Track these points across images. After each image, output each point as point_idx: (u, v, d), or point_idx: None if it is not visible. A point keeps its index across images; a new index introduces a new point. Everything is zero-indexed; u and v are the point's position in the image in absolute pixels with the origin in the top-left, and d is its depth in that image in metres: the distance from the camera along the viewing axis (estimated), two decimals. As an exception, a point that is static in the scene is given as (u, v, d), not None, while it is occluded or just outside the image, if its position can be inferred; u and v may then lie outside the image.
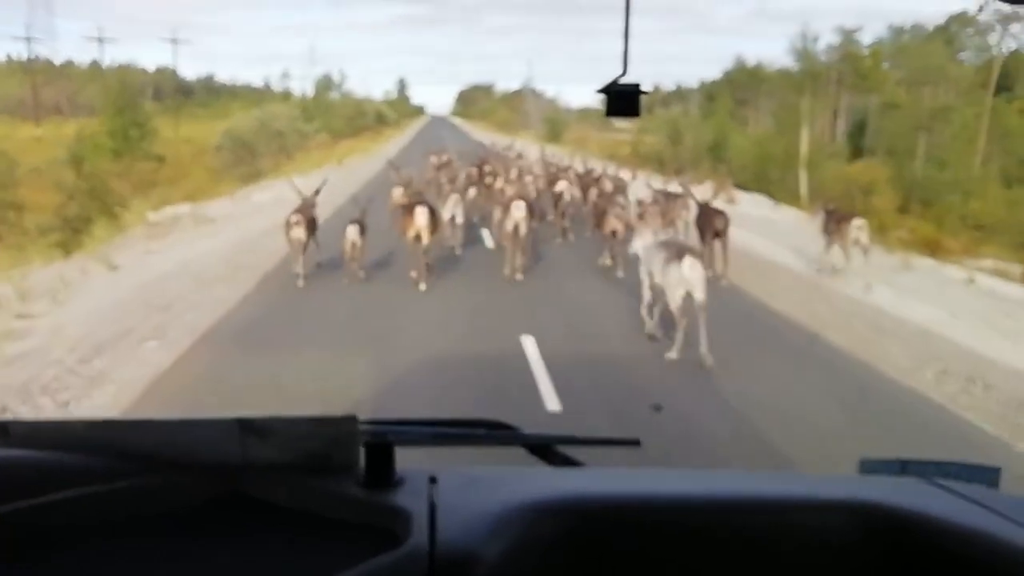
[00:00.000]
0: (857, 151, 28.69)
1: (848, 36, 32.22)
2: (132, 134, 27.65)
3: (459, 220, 12.16)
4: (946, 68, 27.90)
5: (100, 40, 47.31)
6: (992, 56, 28.70)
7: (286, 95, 53.04)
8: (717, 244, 11.21)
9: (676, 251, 7.50)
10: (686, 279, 7.22)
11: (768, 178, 28.21)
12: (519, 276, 10.81)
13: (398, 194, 12.85)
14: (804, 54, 28.67)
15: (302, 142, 34.82)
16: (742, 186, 27.16)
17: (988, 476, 1.27)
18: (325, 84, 56.90)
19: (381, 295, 10.13)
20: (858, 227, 11.17)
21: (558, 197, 13.95)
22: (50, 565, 0.95)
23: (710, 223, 11.30)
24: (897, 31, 32.19)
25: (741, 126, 41.62)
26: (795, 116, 34.75)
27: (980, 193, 20.78)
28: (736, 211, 20.99)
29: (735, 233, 16.12)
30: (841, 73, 28.72)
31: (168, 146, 41.63)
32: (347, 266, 10.66)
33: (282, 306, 9.65)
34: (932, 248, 15.78)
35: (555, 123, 61.76)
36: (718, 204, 12.31)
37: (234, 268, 11.43)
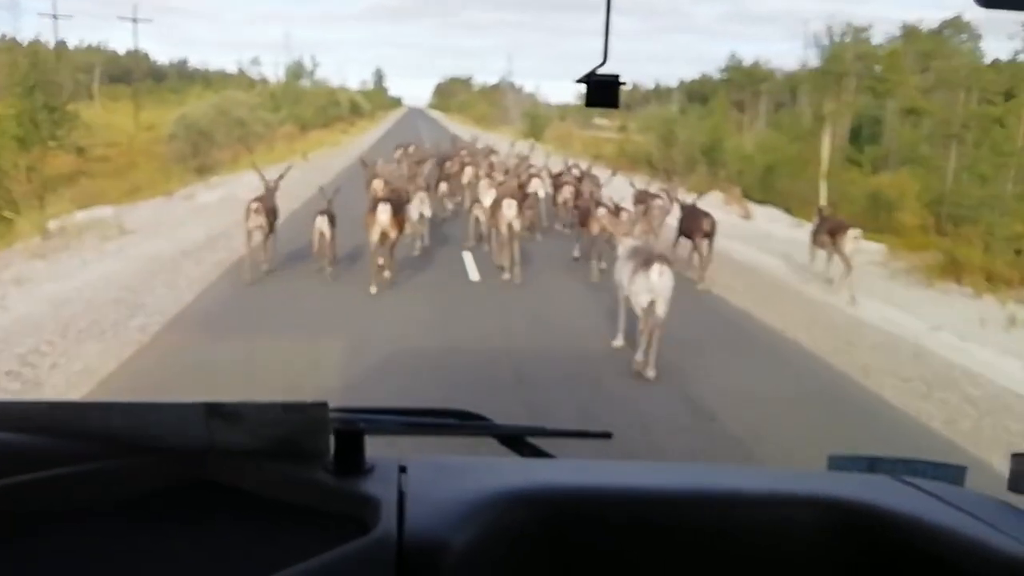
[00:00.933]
0: (878, 161, 25.99)
1: (857, 35, 29.53)
2: (41, 118, 23.16)
3: (426, 215, 11.79)
4: (981, 72, 25.23)
5: (55, 17, 43.32)
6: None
7: (252, 83, 49.29)
8: (703, 245, 10.80)
9: (645, 258, 7.10)
10: (653, 287, 6.91)
11: (774, 188, 25.41)
12: (515, 275, 10.41)
13: (379, 186, 11.91)
14: (831, 52, 25.77)
15: (266, 132, 31.40)
16: (747, 196, 24.40)
17: (954, 474, 1.27)
18: (295, 71, 53.20)
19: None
20: (854, 238, 10.58)
21: (527, 196, 13.14)
22: (11, 548, 0.92)
23: (697, 226, 10.81)
24: (910, 32, 29.49)
25: (734, 129, 38.86)
26: (799, 120, 31.96)
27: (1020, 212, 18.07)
28: (752, 228, 18.28)
29: (758, 257, 13.25)
30: (856, 75, 25.98)
31: (117, 134, 38.26)
32: (317, 260, 10.13)
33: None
34: (965, 275, 12.83)
35: (536, 119, 58.50)
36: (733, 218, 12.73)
37: (122, 312, 8.22)
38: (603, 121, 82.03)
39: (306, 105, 48.11)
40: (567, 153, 41.55)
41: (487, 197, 11.61)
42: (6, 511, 0.94)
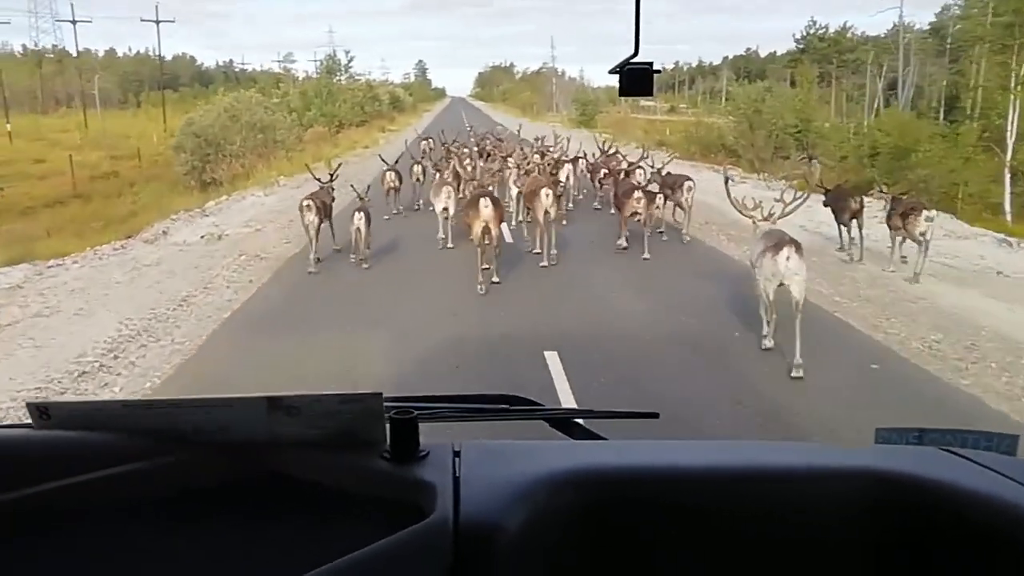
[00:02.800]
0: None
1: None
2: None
3: (451, 212, 11.45)
4: None
5: (73, 23, 39.88)
6: None
7: (277, 80, 44.79)
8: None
9: (776, 241, 6.79)
10: (782, 271, 6.65)
11: (907, 180, 19.95)
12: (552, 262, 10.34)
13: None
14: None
15: (289, 136, 26.80)
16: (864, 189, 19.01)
17: (1006, 444, 1.20)
18: (329, 66, 48.68)
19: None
20: (927, 219, 9.66)
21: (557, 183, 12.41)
22: (87, 542, 0.96)
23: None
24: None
25: (819, 106, 33.18)
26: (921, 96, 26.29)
27: None
28: (955, 249, 12.71)
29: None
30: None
31: (146, 144, 34.21)
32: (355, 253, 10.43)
33: None
34: None
35: (586, 104, 53.00)
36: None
37: None
38: (649, 103, 76.61)
39: (341, 102, 43.63)
40: (627, 141, 36.52)
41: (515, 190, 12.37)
42: (79, 506, 0.96)
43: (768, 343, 6.93)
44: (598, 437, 1.33)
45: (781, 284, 6.67)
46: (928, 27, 23.03)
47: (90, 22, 64.88)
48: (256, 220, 14.57)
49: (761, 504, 1.09)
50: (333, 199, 11.30)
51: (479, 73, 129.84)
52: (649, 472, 1.13)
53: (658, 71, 1.40)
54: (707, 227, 13.39)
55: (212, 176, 23.78)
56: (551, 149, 15.09)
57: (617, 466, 1.14)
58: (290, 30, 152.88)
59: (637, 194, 10.79)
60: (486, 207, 8.97)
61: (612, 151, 15.88)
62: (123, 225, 16.72)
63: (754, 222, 7.40)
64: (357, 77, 51.24)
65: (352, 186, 11.17)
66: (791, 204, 7.47)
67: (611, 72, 1.44)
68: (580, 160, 15.86)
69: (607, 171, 13.88)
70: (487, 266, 9.12)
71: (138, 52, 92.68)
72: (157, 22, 44.39)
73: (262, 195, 18.14)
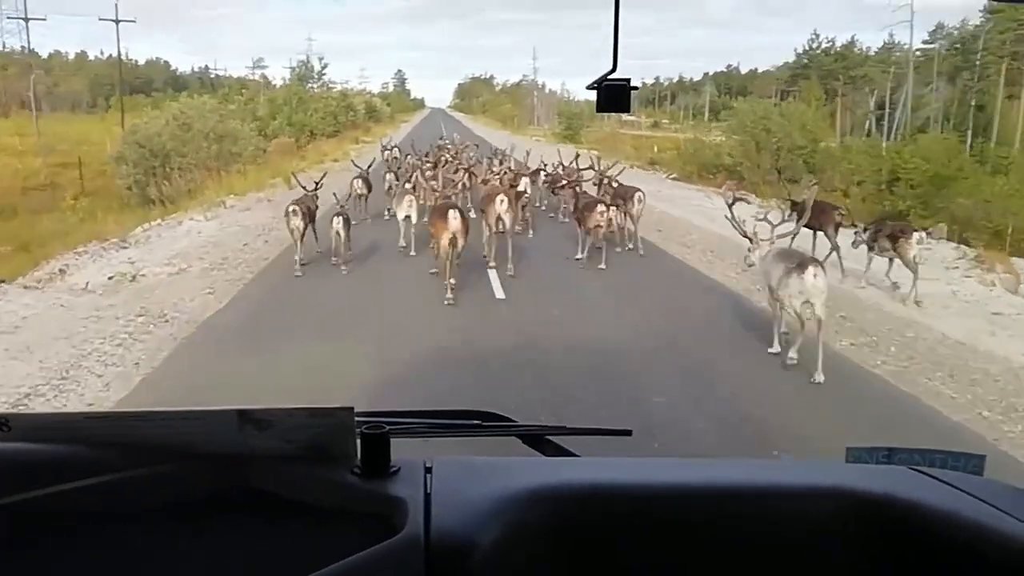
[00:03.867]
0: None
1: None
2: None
3: (413, 219, 11.44)
4: None
5: (25, 20, 36.45)
6: None
7: (243, 86, 41.50)
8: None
9: (798, 261, 6.96)
10: (808, 289, 6.72)
11: (946, 209, 17.44)
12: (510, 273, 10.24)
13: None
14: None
15: (249, 147, 23.69)
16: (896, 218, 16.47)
17: (973, 464, 1.21)
18: (301, 73, 45.63)
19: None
20: (918, 241, 9.43)
21: (519, 195, 12.49)
22: (50, 556, 0.93)
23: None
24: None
25: (827, 125, 30.72)
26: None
27: None
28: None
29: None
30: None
31: (100, 152, 30.63)
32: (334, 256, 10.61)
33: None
34: None
35: (571, 118, 50.21)
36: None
37: None
38: (631, 118, 74.31)
39: (312, 111, 40.59)
40: (616, 159, 33.87)
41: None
42: (44, 520, 0.93)
43: (793, 356, 6.93)
44: (570, 454, 1.33)
45: (806, 301, 6.78)
46: (944, 43, 20.72)
47: (44, 19, 60.94)
48: (184, 256, 11.58)
49: (732, 521, 1.08)
50: (317, 207, 11.38)
51: (459, 84, 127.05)
52: (621, 489, 1.11)
53: (636, 87, 1.37)
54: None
55: (159, 191, 20.71)
56: (507, 157, 15.60)
57: (589, 483, 1.12)
58: (271, 37, 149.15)
59: (600, 208, 10.69)
60: (455, 219, 8.92)
61: (571, 163, 15.21)
62: (41, 250, 13.65)
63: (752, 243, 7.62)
64: (331, 85, 48.28)
65: (334, 194, 11.45)
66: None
67: (589, 88, 1.39)
68: (540, 172, 15.84)
69: (565, 182, 13.61)
70: (454, 280, 9.01)
71: (110, 55, 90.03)
72: (116, 21, 41.02)
73: (202, 219, 15.13)
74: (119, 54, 45.99)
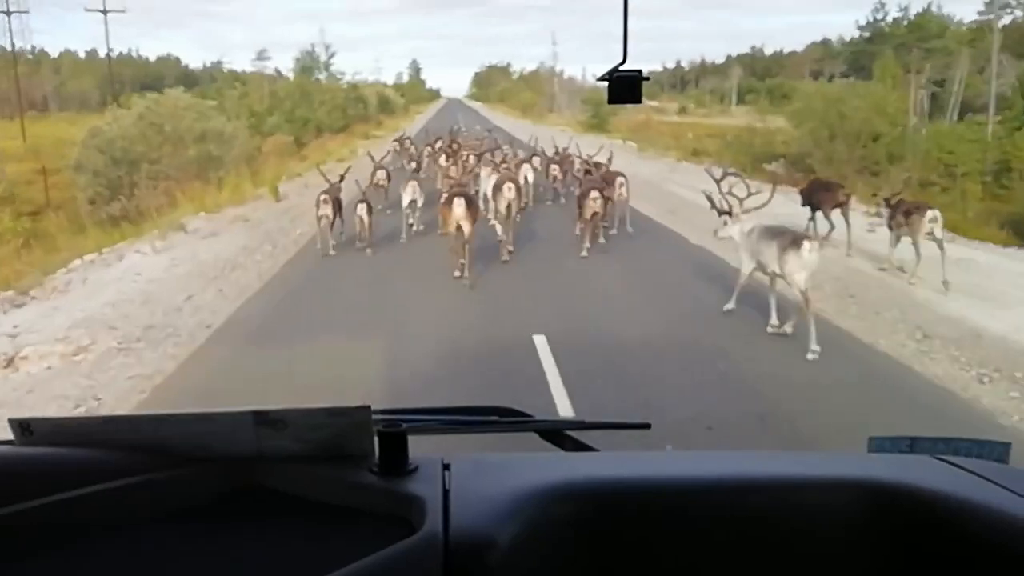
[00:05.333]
0: None
1: None
2: None
3: (419, 203, 12.06)
4: None
5: (7, 13, 32.84)
6: None
7: (236, 78, 37.49)
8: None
9: (791, 237, 7.17)
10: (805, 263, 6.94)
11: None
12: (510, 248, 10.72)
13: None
14: None
15: (232, 149, 19.91)
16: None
17: (997, 451, 1.19)
18: (306, 64, 41.80)
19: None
20: (931, 219, 9.27)
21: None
22: (73, 561, 0.91)
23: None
24: None
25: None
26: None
27: None
28: None
29: None
30: None
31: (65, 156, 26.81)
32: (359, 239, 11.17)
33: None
34: None
35: (598, 105, 45.86)
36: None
37: None
38: (652, 103, 69.96)
39: (318, 104, 36.89)
40: (657, 151, 29.63)
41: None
42: (64, 524, 0.93)
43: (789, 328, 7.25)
44: (589, 448, 1.30)
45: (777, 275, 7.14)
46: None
47: (27, 12, 57.55)
48: (91, 323, 7.86)
49: (755, 514, 1.06)
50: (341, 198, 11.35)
51: (475, 73, 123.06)
52: (641, 483, 1.09)
53: (647, 78, 1.35)
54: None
55: (124, 206, 17.07)
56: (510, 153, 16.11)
57: (609, 478, 1.11)
58: (283, 30, 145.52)
59: (594, 194, 10.80)
60: (459, 206, 9.29)
61: (565, 149, 16.13)
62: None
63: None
64: (339, 76, 44.47)
65: (356, 181, 11.65)
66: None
67: (599, 80, 1.38)
68: (535, 158, 16.04)
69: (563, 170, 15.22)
70: (463, 259, 9.41)
71: (121, 53, 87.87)
72: (104, 12, 37.50)
73: (150, 251, 11.43)
74: (107, 49, 42.47)
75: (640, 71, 1.35)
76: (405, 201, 11.81)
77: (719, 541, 1.05)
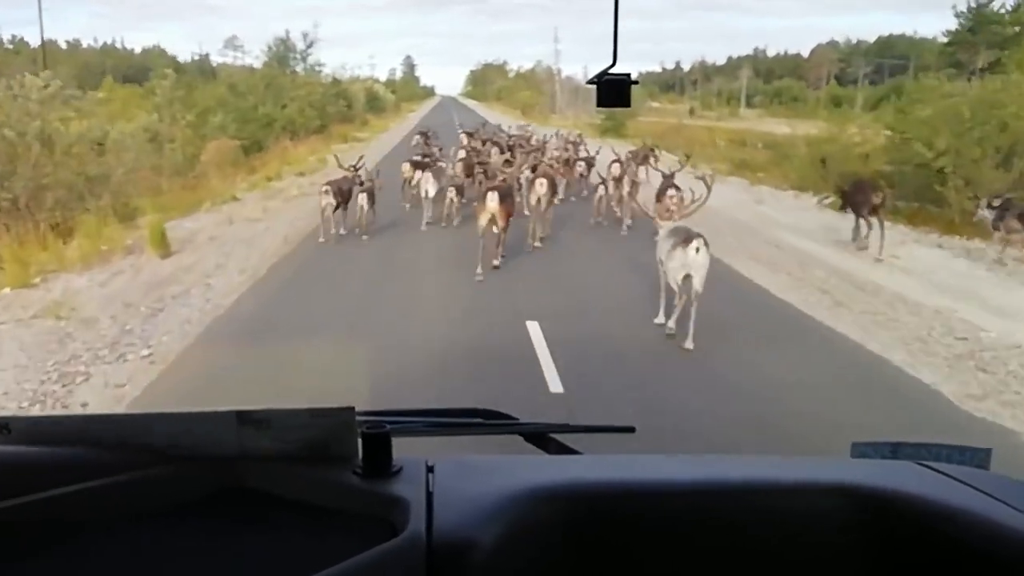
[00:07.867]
0: None
1: None
2: None
3: (431, 194, 12.36)
4: None
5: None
6: None
7: (161, 66, 30.46)
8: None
9: (684, 236, 7.05)
10: (688, 262, 6.86)
11: None
12: (538, 244, 10.97)
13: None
14: None
15: (121, 168, 13.31)
16: None
17: (979, 457, 1.18)
18: (280, 55, 35.14)
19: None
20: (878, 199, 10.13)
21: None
22: (52, 560, 0.89)
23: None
24: None
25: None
26: None
27: None
28: None
29: None
30: None
31: None
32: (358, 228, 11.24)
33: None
34: None
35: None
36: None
37: None
38: (655, 104, 63.45)
39: (289, 101, 30.30)
40: (706, 164, 22.94)
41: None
42: (45, 523, 0.90)
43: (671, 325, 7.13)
44: (573, 451, 1.28)
45: (687, 276, 6.90)
46: None
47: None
48: None
49: (738, 518, 1.05)
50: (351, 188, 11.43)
51: (471, 71, 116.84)
52: (625, 487, 1.08)
53: (635, 82, 1.33)
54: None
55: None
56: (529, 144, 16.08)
57: (592, 481, 1.09)
58: (280, 25, 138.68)
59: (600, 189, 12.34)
60: (492, 200, 9.33)
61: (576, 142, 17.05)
62: None
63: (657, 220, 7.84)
64: (318, 68, 37.81)
65: (366, 168, 11.78)
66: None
67: (589, 83, 1.34)
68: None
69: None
70: (497, 254, 9.61)
71: (104, 43, 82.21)
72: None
73: None
74: (41, 35, 35.83)
75: (629, 75, 1.33)
76: (422, 192, 12.42)
77: (702, 545, 1.02)
